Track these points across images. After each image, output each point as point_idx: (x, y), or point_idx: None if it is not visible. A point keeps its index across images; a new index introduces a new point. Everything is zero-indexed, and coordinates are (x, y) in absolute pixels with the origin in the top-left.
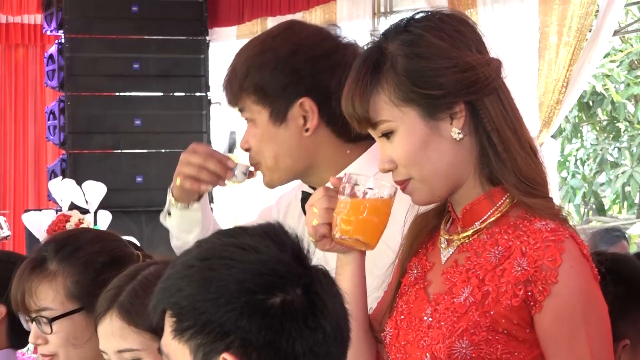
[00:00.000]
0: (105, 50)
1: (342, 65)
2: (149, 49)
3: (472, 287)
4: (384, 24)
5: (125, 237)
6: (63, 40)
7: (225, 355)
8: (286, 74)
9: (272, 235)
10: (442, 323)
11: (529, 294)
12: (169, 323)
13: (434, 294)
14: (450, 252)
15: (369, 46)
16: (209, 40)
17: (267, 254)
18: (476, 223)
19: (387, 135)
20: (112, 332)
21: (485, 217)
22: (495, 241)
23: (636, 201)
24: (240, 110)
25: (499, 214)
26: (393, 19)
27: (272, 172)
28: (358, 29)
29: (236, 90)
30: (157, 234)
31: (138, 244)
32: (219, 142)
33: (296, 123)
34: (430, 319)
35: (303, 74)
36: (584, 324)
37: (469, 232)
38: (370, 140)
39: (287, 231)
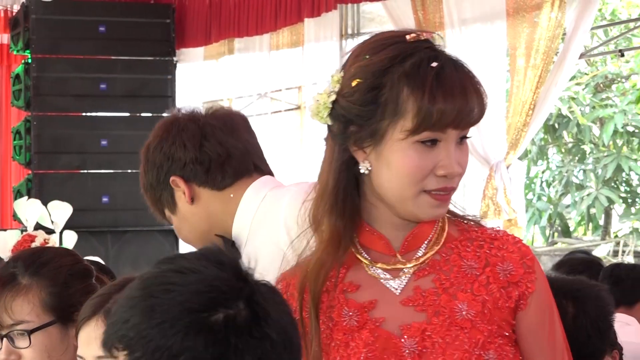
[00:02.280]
0: (72, 70)
1: (186, 136)
2: (116, 69)
3: (466, 301)
4: (351, 45)
5: (91, 258)
6: (30, 60)
7: None
8: (152, 172)
9: (210, 256)
10: (457, 343)
11: (517, 293)
12: (121, 357)
13: (402, 326)
14: (405, 281)
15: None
16: (176, 61)
17: (205, 273)
18: (421, 247)
19: (463, 139)
20: (95, 337)
21: (429, 239)
22: (459, 256)
23: (601, 223)
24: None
25: (442, 233)
26: (360, 41)
27: (190, 243)
28: (325, 50)
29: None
30: (122, 254)
31: (104, 263)
32: None
33: (182, 201)
34: (418, 349)
35: (158, 163)
36: (555, 312)
37: (426, 257)
38: (238, 177)
39: (224, 251)
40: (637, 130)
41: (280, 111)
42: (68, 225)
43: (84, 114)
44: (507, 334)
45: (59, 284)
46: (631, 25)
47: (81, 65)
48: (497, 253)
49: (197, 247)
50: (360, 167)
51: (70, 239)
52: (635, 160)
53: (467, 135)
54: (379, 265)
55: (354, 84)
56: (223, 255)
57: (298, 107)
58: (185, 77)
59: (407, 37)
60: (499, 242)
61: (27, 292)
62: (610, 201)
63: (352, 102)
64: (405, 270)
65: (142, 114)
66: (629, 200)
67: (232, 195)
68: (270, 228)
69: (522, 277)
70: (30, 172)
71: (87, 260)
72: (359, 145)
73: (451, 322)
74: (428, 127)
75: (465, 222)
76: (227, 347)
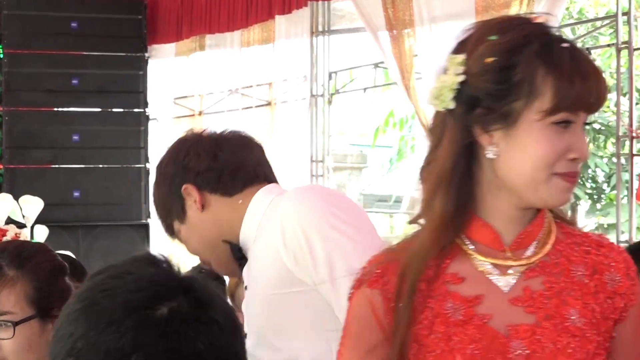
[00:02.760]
0: (44, 65)
1: (201, 147)
2: (88, 65)
3: (577, 308)
4: (322, 42)
5: (62, 252)
6: (1, 55)
7: None
8: (164, 184)
9: (141, 259)
10: (569, 350)
11: (622, 305)
12: None
13: (510, 326)
14: (514, 279)
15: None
16: (148, 57)
17: (141, 273)
18: (531, 246)
19: (584, 125)
20: None
21: (537, 239)
22: (567, 260)
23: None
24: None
25: (549, 234)
26: (331, 39)
27: (198, 253)
28: (296, 47)
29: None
30: (94, 249)
31: (75, 258)
32: (155, 157)
33: (193, 209)
34: (526, 351)
35: (172, 174)
36: None
37: (537, 257)
38: (248, 184)
39: (154, 254)
40: (603, 128)
41: (251, 107)
42: (39, 220)
43: (55, 109)
44: (608, 345)
45: (42, 279)
46: (598, 23)
47: (53, 60)
48: (604, 261)
49: (204, 257)
50: (486, 152)
51: (41, 233)
52: (601, 157)
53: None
54: (488, 259)
55: (487, 61)
56: (154, 257)
57: (269, 104)
58: (156, 73)
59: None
60: (605, 249)
61: (14, 284)
62: (577, 197)
63: (485, 81)
64: (516, 269)
65: (114, 110)
66: (595, 197)
67: (240, 202)
68: (270, 231)
69: (627, 288)
70: (1, 166)
71: (59, 254)
72: (485, 128)
73: (562, 328)
74: (566, 108)
75: (568, 224)
76: (178, 337)
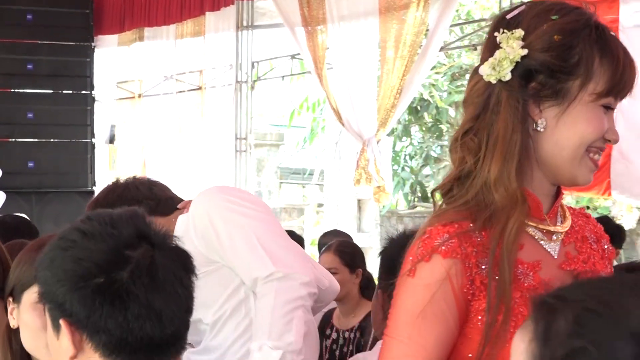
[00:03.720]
0: (3, 52)
1: (138, 182)
2: (42, 52)
3: (602, 271)
4: (246, 36)
5: (18, 214)
6: None
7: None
8: None
9: (108, 224)
10: None
11: (610, 270)
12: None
13: None
14: (558, 245)
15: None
16: (94, 46)
17: (102, 236)
18: (559, 217)
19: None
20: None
21: (559, 212)
22: (581, 229)
23: None
24: None
25: (563, 207)
26: (254, 33)
27: None
28: (223, 40)
29: None
30: (45, 212)
31: (29, 220)
32: (100, 133)
33: None
34: None
35: (111, 204)
36: None
37: (567, 225)
38: (175, 207)
39: (140, 218)
40: None
41: (184, 91)
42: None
43: (12, 90)
44: None
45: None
46: (483, 24)
47: (11, 48)
48: (597, 230)
49: None
50: (537, 125)
51: (0, 200)
52: None
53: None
54: (539, 226)
55: (556, 38)
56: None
57: (199, 88)
58: (101, 60)
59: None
60: (591, 220)
61: None
62: None
63: (548, 57)
64: (558, 235)
65: (64, 91)
66: None
67: (173, 219)
68: (185, 224)
69: (612, 255)
70: None
71: (15, 215)
72: (537, 102)
73: None
74: (615, 93)
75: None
76: (155, 272)
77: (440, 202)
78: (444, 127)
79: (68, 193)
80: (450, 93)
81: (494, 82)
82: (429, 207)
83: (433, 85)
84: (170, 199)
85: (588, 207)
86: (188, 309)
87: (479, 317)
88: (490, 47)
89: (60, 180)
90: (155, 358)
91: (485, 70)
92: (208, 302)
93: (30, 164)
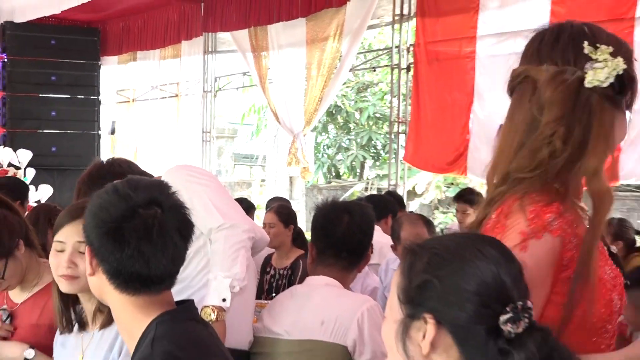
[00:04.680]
0: (33, 67)
1: (121, 162)
2: (62, 67)
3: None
4: (211, 58)
5: (43, 185)
6: (6, 60)
7: None
8: (97, 185)
9: (133, 189)
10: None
11: None
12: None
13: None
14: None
15: None
16: (100, 64)
17: (123, 197)
18: None
19: None
20: (78, 230)
21: None
22: None
23: (359, 171)
24: None
25: None
26: (217, 56)
27: None
28: (194, 61)
29: None
30: (64, 184)
31: (52, 189)
32: (104, 127)
33: None
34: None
35: (103, 176)
36: None
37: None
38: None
39: (159, 188)
40: (381, 116)
41: (165, 97)
42: (29, 165)
43: (40, 95)
44: None
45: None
46: (380, 52)
47: (39, 64)
48: None
49: None
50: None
51: (30, 174)
52: (380, 134)
53: None
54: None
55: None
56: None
57: (176, 96)
58: (105, 74)
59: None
60: None
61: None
62: (365, 158)
63: (633, 72)
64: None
65: (78, 96)
66: (375, 158)
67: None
68: None
69: None
70: (4, 130)
71: (8, 177)
72: (621, 107)
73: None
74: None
75: None
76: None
77: (499, 185)
78: (351, 125)
79: (80, 170)
80: (356, 102)
81: (589, 86)
82: (341, 183)
83: (344, 95)
84: (144, 173)
85: (452, 183)
86: (175, 261)
87: (565, 285)
88: (564, 55)
89: (75, 160)
90: (146, 289)
91: (598, 76)
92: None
93: (53, 149)
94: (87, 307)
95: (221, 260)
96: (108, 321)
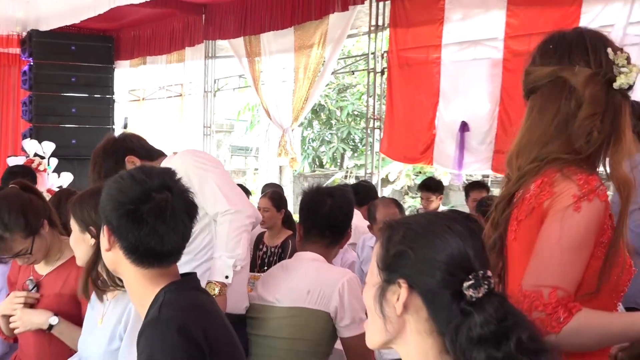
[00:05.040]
0: (56, 69)
1: (132, 137)
2: (81, 70)
3: None
4: (211, 63)
5: (65, 173)
6: (32, 63)
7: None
8: (111, 159)
9: (147, 175)
10: None
11: None
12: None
13: None
14: None
15: None
16: (114, 67)
17: (139, 182)
18: None
19: None
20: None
21: None
22: None
23: (339, 162)
24: None
25: None
26: (216, 61)
27: None
28: (197, 65)
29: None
30: (82, 172)
31: (72, 176)
32: (118, 121)
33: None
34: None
35: (115, 151)
36: None
37: None
38: (159, 155)
39: (169, 175)
40: (359, 113)
41: (171, 96)
42: (52, 155)
43: (62, 94)
44: None
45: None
46: (358, 58)
47: (61, 67)
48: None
49: None
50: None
51: (53, 163)
52: (358, 129)
53: None
54: None
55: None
56: (157, 176)
57: (180, 95)
58: (119, 76)
59: None
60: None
61: None
62: (344, 150)
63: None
64: None
65: (95, 95)
66: (354, 150)
67: (158, 163)
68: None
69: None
70: (31, 125)
71: (20, 165)
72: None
73: None
74: None
75: None
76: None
77: (538, 161)
78: (333, 122)
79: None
80: (337, 101)
81: (616, 87)
82: (324, 171)
83: (327, 95)
84: (152, 148)
85: (420, 172)
86: (184, 238)
87: (600, 249)
88: (596, 60)
89: (89, 150)
90: (158, 263)
91: (628, 79)
92: None
93: (73, 141)
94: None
95: (226, 242)
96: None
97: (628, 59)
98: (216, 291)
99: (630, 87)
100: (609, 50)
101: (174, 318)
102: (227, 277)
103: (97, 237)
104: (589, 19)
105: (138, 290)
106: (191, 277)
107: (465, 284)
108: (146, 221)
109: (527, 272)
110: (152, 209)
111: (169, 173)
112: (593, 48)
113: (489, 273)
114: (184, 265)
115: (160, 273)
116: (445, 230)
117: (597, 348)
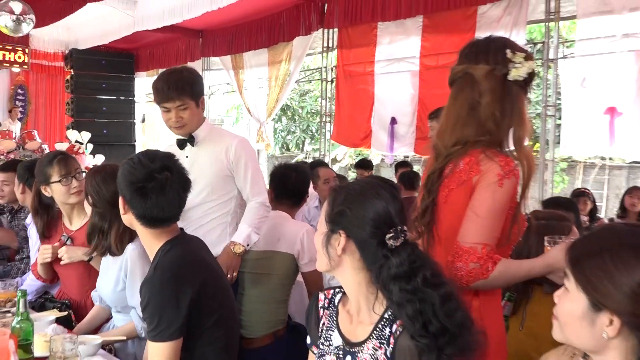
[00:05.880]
0: (91, 78)
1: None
2: (110, 78)
3: None
4: (207, 74)
5: (99, 155)
6: (73, 73)
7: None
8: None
9: (151, 160)
10: None
11: None
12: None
13: None
14: None
15: None
16: (135, 76)
17: (144, 166)
18: None
19: None
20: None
21: None
22: None
23: (301, 147)
24: (180, 101)
25: None
26: (210, 72)
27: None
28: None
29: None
30: (112, 154)
31: (104, 157)
32: (138, 117)
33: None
34: None
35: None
36: None
37: None
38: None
39: (170, 159)
40: (315, 111)
41: None
42: (89, 142)
43: (95, 96)
44: None
45: None
46: (314, 71)
47: (95, 76)
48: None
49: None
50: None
51: (89, 147)
52: (314, 123)
53: None
54: None
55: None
56: (158, 158)
57: None
58: (138, 83)
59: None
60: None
61: None
62: (305, 138)
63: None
64: None
65: (120, 97)
66: (312, 138)
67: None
68: (216, 144)
69: None
70: (72, 119)
71: (98, 154)
72: (527, 92)
73: None
74: None
75: None
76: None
77: (453, 146)
78: (296, 117)
79: (123, 145)
80: (299, 102)
81: (511, 79)
82: (290, 154)
83: (292, 98)
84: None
85: (359, 154)
86: (180, 207)
87: (510, 213)
88: (494, 59)
89: (119, 138)
90: (161, 224)
91: (520, 72)
92: (222, 190)
93: (104, 131)
94: (113, 237)
95: (253, 220)
96: (119, 251)
97: (526, 57)
98: (239, 251)
99: (527, 80)
100: (508, 50)
101: (171, 264)
102: (247, 245)
103: (93, 205)
104: None
105: (147, 243)
106: (181, 234)
107: (387, 236)
108: (150, 196)
109: (462, 231)
110: (154, 187)
111: (169, 157)
112: (495, 50)
113: (406, 228)
114: (208, 232)
115: (163, 231)
116: (374, 195)
117: (507, 286)
